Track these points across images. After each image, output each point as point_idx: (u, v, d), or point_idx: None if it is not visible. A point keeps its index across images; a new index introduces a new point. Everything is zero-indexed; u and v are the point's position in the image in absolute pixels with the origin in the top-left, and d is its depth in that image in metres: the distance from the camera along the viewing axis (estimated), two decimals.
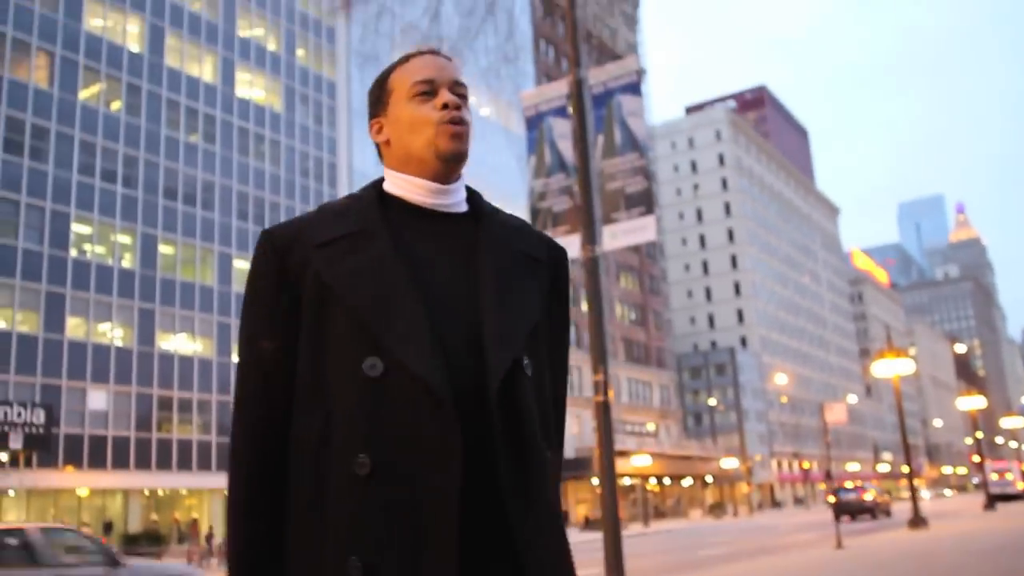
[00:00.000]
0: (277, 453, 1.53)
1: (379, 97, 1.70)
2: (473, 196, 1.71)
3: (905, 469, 29.80)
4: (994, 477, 50.65)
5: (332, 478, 1.46)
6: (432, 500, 1.41)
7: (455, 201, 1.65)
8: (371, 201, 1.62)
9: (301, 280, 1.54)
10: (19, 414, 35.73)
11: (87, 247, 42.38)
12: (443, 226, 1.62)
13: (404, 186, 1.64)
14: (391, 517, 1.42)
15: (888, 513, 43.58)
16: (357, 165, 56.60)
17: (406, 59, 1.70)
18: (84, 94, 43.42)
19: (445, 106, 1.62)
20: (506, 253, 1.62)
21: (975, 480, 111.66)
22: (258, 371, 1.56)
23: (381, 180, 1.69)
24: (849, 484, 44.13)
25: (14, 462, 36.79)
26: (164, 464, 43.46)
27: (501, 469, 1.46)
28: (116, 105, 44.77)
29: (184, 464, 44.27)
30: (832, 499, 40.30)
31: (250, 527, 1.53)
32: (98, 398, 41.23)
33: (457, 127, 1.62)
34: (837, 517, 40.88)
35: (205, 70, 49.73)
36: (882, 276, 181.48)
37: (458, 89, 1.66)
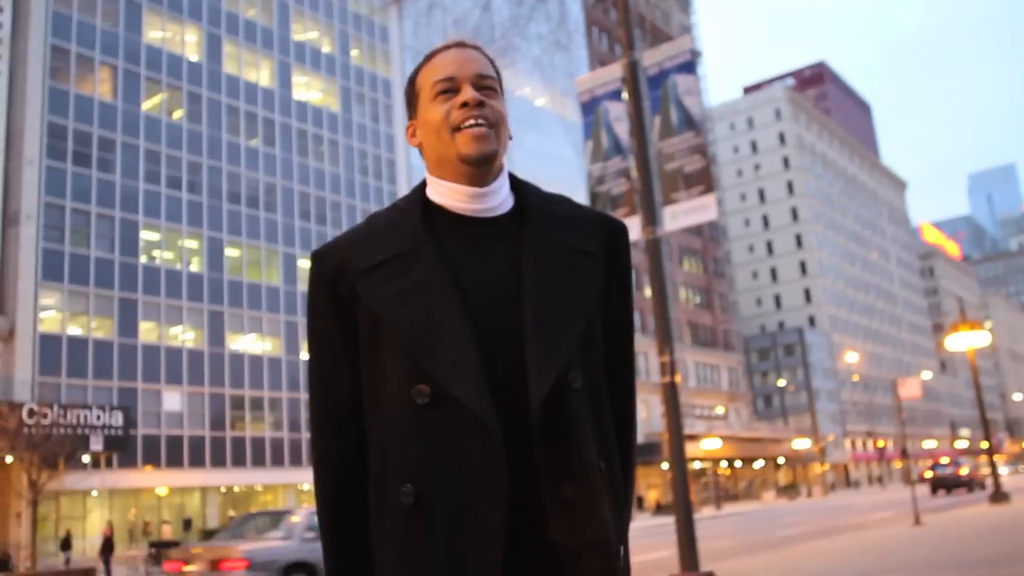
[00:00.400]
0: (353, 474, 1.56)
1: (410, 99, 1.66)
2: (518, 189, 1.65)
3: (984, 445, 29.14)
4: None
5: (387, 508, 1.48)
6: (476, 532, 1.40)
7: (497, 203, 1.60)
8: (415, 215, 1.58)
9: (353, 308, 1.54)
10: (98, 417, 36.76)
11: (156, 253, 43.38)
12: (488, 232, 1.58)
13: (445, 193, 1.59)
14: (435, 547, 1.42)
15: (983, 486, 43.33)
16: (416, 161, 56.92)
17: (430, 56, 1.64)
18: (147, 104, 44.38)
19: (465, 104, 1.55)
20: (554, 255, 1.56)
21: None
22: (327, 399, 1.58)
23: (424, 185, 1.64)
24: (944, 460, 45.36)
25: (96, 463, 37.91)
26: (239, 461, 44.38)
27: (545, 491, 1.44)
28: (178, 114, 45.70)
29: (258, 461, 45.16)
30: (929, 474, 42.60)
31: (338, 544, 1.56)
32: (173, 399, 42.25)
33: (477, 129, 1.54)
34: (934, 491, 42.19)
35: (262, 75, 50.48)
36: (953, 249, 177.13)
37: (483, 82, 1.59)
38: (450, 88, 1.58)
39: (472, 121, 1.55)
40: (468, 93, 1.56)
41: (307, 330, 1.61)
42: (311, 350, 1.60)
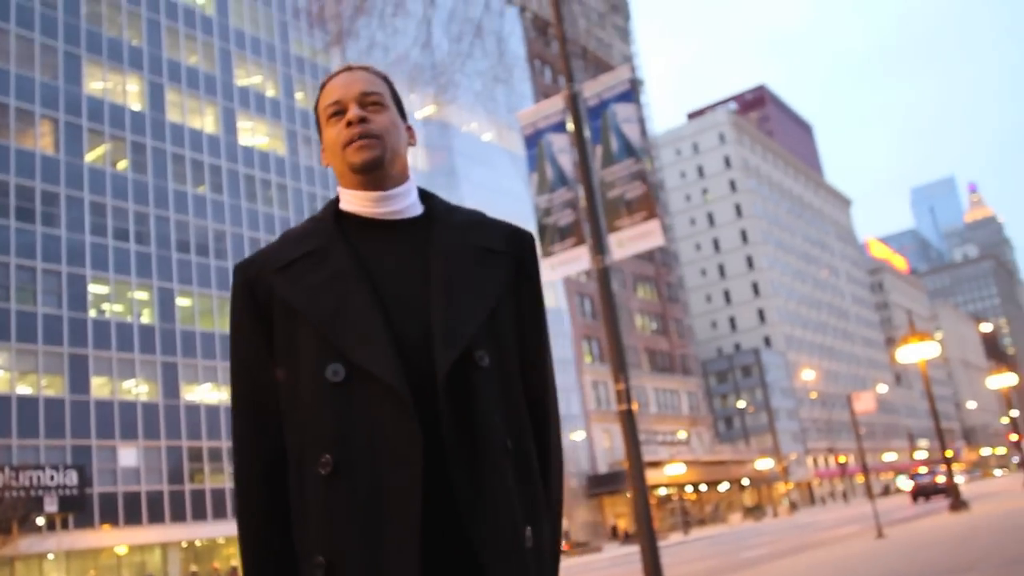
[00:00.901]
0: (276, 468, 1.62)
1: (317, 125, 1.82)
2: (427, 199, 1.79)
3: (949, 454, 29.64)
4: None
5: (304, 481, 1.55)
6: (395, 496, 1.47)
7: (403, 206, 1.73)
8: (327, 220, 1.71)
9: (269, 306, 1.64)
10: (52, 477, 35.96)
11: (105, 306, 42.70)
12: (396, 233, 1.70)
13: (352, 201, 1.73)
14: (353, 513, 1.49)
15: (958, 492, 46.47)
16: None
17: (324, 84, 1.80)
18: (90, 156, 43.89)
19: (349, 123, 1.70)
20: (458, 250, 1.68)
21: (1015, 459, 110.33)
22: (249, 398, 1.66)
23: (337, 200, 1.77)
24: (923, 470, 49.82)
25: (51, 525, 36.97)
26: (199, 515, 43.53)
27: (451, 464, 1.51)
28: (122, 164, 45.23)
29: (219, 513, 44.33)
30: (911, 483, 48.30)
31: (261, 534, 1.62)
32: (128, 455, 41.41)
33: (361, 140, 1.69)
34: (915, 498, 46.62)
35: (207, 122, 50.21)
36: (900, 263, 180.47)
37: (367, 99, 1.74)
38: (339, 111, 1.74)
39: (356, 138, 1.70)
40: (351, 113, 1.71)
41: (230, 335, 1.71)
42: (233, 352, 1.70)
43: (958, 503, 25.88)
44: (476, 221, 1.76)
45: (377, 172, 1.70)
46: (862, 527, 27.18)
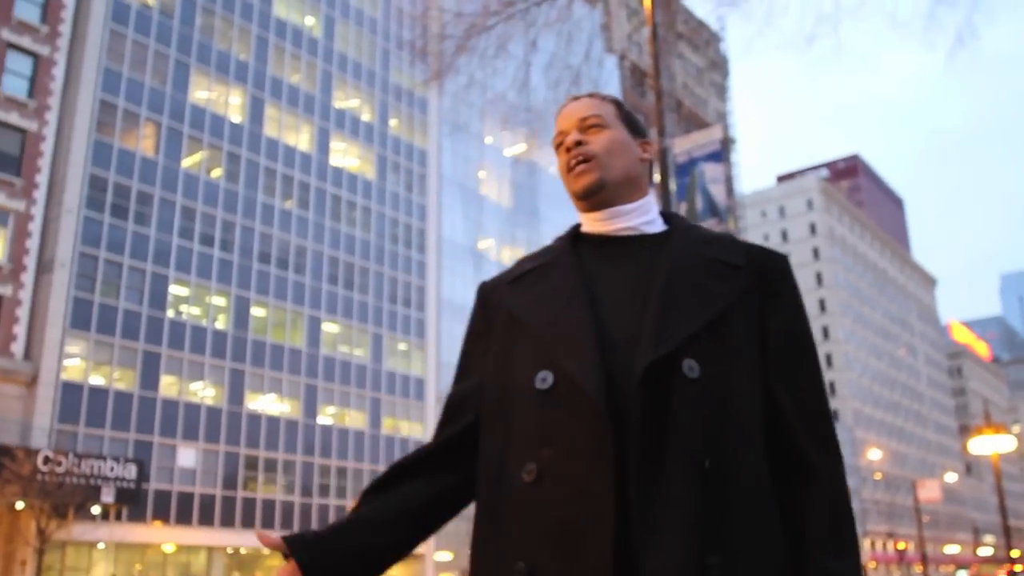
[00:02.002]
0: (439, 458, 1.78)
1: None
2: (670, 218, 1.81)
3: (1015, 553, 28.47)
4: None
5: (507, 487, 1.59)
6: (590, 507, 1.47)
7: (636, 223, 1.76)
8: (565, 239, 1.81)
9: (496, 315, 1.76)
10: (112, 468, 36.70)
11: (183, 308, 43.72)
12: (629, 249, 1.72)
13: (586, 221, 1.80)
14: (552, 521, 1.50)
15: None
16: (446, 232, 57.48)
17: (557, 117, 1.88)
18: (187, 162, 45.22)
19: (568, 149, 1.78)
20: (688, 259, 1.66)
21: None
22: (455, 398, 1.81)
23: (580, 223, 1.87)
24: (1019, 568, 50.35)
25: (105, 515, 37.69)
26: (248, 522, 43.96)
27: (631, 478, 1.47)
28: (216, 172, 46.49)
29: (267, 523, 44.71)
30: None
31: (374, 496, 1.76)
32: (187, 455, 42.12)
33: (576, 167, 1.76)
34: None
35: (302, 139, 51.39)
36: (983, 349, 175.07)
37: (585, 123, 1.79)
38: (563, 140, 1.82)
39: (573, 162, 1.78)
40: (569, 140, 1.79)
41: (463, 341, 1.87)
42: (461, 356, 1.85)
43: None
44: (717, 237, 1.76)
45: (600, 195, 1.75)
46: None
